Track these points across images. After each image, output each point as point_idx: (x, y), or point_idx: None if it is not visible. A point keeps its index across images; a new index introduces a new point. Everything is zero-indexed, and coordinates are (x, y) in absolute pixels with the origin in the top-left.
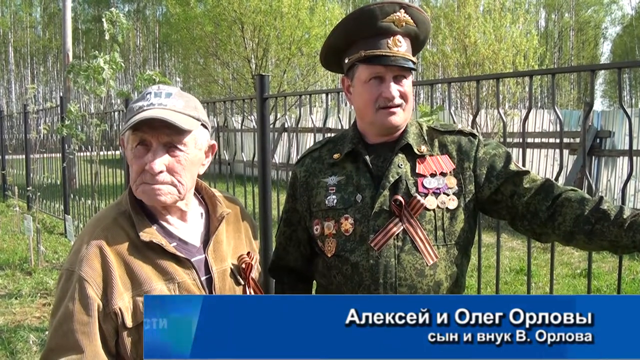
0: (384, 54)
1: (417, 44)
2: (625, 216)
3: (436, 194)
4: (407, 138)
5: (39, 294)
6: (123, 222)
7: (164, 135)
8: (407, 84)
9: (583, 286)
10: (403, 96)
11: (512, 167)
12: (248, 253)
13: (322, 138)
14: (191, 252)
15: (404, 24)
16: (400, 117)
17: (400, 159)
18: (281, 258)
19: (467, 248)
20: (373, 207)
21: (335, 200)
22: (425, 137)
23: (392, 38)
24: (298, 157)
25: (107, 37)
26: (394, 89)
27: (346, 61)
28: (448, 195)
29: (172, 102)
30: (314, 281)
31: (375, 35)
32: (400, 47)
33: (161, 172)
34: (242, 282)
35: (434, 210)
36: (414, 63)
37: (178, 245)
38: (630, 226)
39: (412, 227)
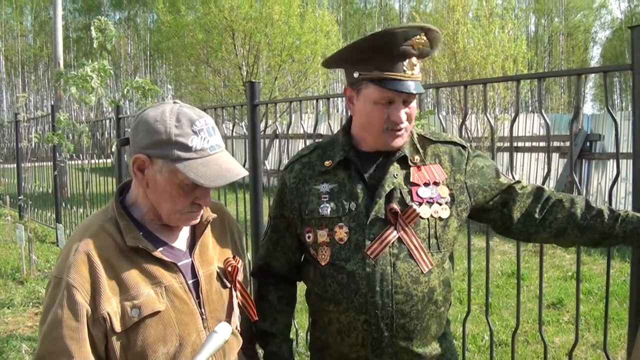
0: (399, 77)
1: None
2: (620, 211)
3: (430, 204)
4: (403, 149)
5: (31, 303)
6: (110, 229)
7: None
8: (414, 105)
9: (574, 288)
10: (409, 118)
11: (503, 179)
12: (234, 256)
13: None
14: (177, 257)
15: (421, 46)
16: (404, 138)
17: (395, 168)
18: (267, 263)
19: (452, 252)
20: (368, 215)
21: (329, 209)
22: (418, 146)
23: (407, 61)
24: (286, 163)
25: (95, 45)
26: (403, 113)
27: (355, 75)
28: (441, 204)
29: (220, 139)
30: (299, 284)
31: (393, 58)
32: (415, 69)
33: None
34: (229, 285)
35: (427, 219)
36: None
37: (164, 249)
38: (624, 219)
39: (407, 236)
